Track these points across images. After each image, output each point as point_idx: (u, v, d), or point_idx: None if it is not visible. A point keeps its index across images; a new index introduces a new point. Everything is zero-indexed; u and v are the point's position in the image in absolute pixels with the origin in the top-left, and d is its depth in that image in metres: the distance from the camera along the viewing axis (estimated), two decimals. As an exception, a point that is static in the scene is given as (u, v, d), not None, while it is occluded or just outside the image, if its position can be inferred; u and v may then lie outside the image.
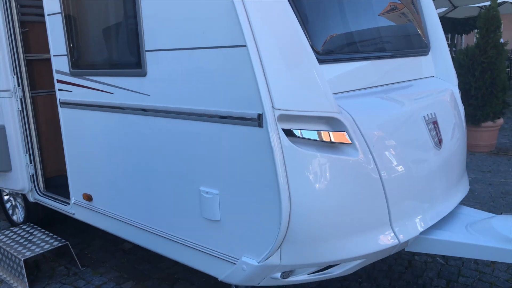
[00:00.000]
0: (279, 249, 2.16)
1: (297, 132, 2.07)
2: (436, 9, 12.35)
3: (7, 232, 3.75)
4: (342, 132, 2.17)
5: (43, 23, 4.00)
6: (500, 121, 6.77)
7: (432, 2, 3.62)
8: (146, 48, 2.48)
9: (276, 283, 2.32)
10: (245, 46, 2.02)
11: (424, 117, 2.71)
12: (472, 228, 2.68)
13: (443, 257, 3.59)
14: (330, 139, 2.15)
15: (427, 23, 3.52)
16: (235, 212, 2.27)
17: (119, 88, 2.72)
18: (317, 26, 2.37)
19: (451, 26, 16.43)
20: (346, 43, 2.59)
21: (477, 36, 6.43)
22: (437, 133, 2.76)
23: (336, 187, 2.17)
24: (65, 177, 4.15)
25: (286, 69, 2.07)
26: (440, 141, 2.77)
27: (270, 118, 2.01)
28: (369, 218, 2.29)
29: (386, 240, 2.35)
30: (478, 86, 6.46)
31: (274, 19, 2.09)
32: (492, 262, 3.46)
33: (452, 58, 3.83)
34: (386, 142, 2.40)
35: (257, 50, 2.01)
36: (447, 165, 2.83)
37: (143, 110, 2.59)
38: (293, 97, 2.07)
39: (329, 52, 2.42)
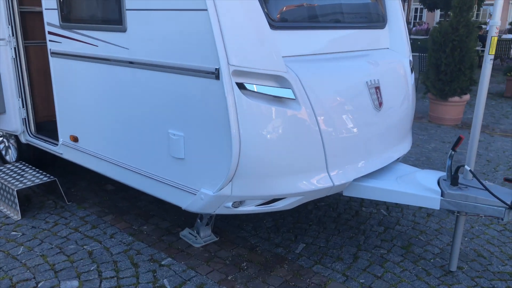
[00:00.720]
0: (231, 182, 2.62)
1: (248, 86, 2.49)
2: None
3: (1, 168, 4.18)
4: (288, 89, 2.60)
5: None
6: (467, 97, 7.22)
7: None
8: (127, 7, 2.85)
9: (228, 211, 2.80)
10: (206, 10, 2.40)
11: (367, 82, 3.14)
12: (401, 179, 3.17)
13: (386, 208, 4.11)
14: (277, 94, 2.57)
15: (387, -1, 3.89)
16: (196, 151, 2.72)
17: (102, 41, 3.10)
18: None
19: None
20: (300, 13, 2.98)
21: (451, 14, 6.78)
22: (378, 97, 3.20)
23: (280, 134, 2.61)
24: (54, 122, 4.57)
25: (241, 32, 2.47)
26: (380, 104, 3.21)
27: (225, 72, 2.42)
28: (308, 162, 2.75)
29: (322, 182, 2.83)
30: (448, 62, 6.87)
31: (234, -11, 2.46)
32: (427, 215, 3.99)
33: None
34: (328, 100, 2.83)
35: (217, 15, 2.40)
36: (386, 125, 3.28)
37: (123, 61, 2.98)
38: (246, 56, 2.48)
39: (283, 20, 2.81)
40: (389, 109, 3.33)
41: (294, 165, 2.71)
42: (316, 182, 2.81)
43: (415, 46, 14.90)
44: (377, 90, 3.22)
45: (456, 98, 7.13)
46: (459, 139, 2.79)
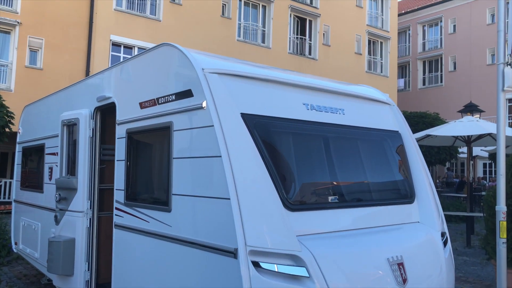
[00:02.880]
0: None
1: (264, 265, 2.78)
2: (488, 146, 12.46)
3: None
4: (302, 267, 2.84)
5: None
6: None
7: (418, 155, 4.32)
8: (173, 192, 3.46)
9: None
10: (229, 199, 2.89)
11: (388, 258, 3.26)
12: None
13: None
14: (291, 272, 2.81)
15: (414, 175, 4.20)
16: (218, 325, 2.91)
17: (153, 218, 3.67)
18: (292, 182, 3.21)
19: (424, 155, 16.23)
20: (319, 194, 3.37)
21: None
22: (401, 273, 3.27)
23: (294, 312, 2.76)
24: (113, 284, 5.03)
25: (258, 216, 2.88)
26: (404, 281, 3.26)
27: (242, 252, 2.76)
28: None
29: None
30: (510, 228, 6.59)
31: (252, 178, 2.97)
32: None
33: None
34: (345, 276, 2.99)
35: (238, 203, 2.86)
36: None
37: (165, 236, 3.47)
38: (262, 237, 2.83)
39: (301, 202, 3.21)
40: (416, 285, 3.34)
41: None
42: None
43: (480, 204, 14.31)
44: (401, 266, 3.30)
45: (527, 266, 6.60)
46: None
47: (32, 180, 6.80)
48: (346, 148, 3.83)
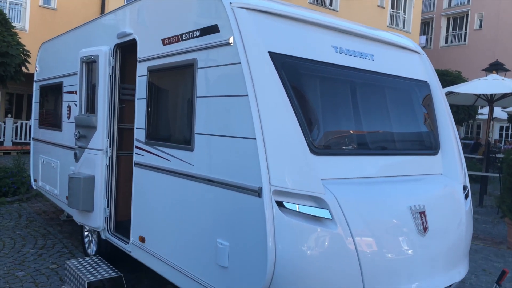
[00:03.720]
0: (266, 295, 2.78)
1: (287, 205, 2.77)
2: (509, 107, 12.19)
3: (80, 260, 4.73)
4: (325, 209, 2.82)
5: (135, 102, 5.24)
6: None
7: (445, 107, 4.19)
8: (196, 132, 3.41)
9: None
10: (255, 139, 2.83)
11: (410, 207, 3.23)
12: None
13: None
14: (314, 213, 2.80)
15: (440, 126, 4.09)
16: (238, 262, 2.95)
17: (174, 157, 3.66)
18: (318, 126, 3.13)
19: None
20: (344, 140, 3.30)
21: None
22: (422, 222, 3.25)
23: (316, 254, 2.78)
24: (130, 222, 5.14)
25: (284, 157, 2.83)
26: (425, 229, 3.24)
27: (266, 192, 2.74)
28: (344, 282, 2.83)
29: (359, 305, 2.85)
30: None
31: (278, 119, 2.90)
32: None
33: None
34: (367, 222, 2.97)
35: (263, 143, 2.81)
36: (432, 250, 3.26)
37: (187, 175, 3.47)
38: (286, 178, 2.80)
39: (326, 147, 3.15)
40: (436, 234, 3.33)
41: (328, 284, 2.80)
42: (352, 304, 2.83)
43: (496, 166, 14.19)
44: (422, 215, 3.28)
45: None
46: (503, 273, 2.70)
47: (51, 119, 6.82)
48: (374, 95, 3.71)
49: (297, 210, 2.78)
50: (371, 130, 3.53)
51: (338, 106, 3.40)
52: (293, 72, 3.18)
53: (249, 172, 2.87)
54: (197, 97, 3.41)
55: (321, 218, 2.82)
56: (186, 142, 3.53)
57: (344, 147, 3.26)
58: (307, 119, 3.07)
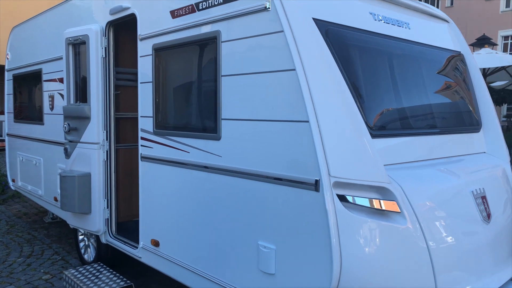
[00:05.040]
0: (329, 306, 2.35)
1: (350, 198, 2.33)
2: (496, 82, 12.17)
3: (80, 269, 4.17)
4: (392, 201, 2.40)
5: (132, 87, 4.66)
6: None
7: (483, 80, 3.85)
8: (223, 117, 2.91)
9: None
10: (308, 122, 2.36)
11: (472, 191, 2.86)
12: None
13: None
14: (381, 207, 2.38)
15: (479, 101, 3.74)
16: (289, 267, 2.51)
17: (194, 148, 3.15)
18: (372, 104, 2.70)
19: None
20: (398, 119, 2.88)
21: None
22: (485, 208, 2.89)
23: (384, 252, 2.36)
24: (134, 222, 4.60)
25: (342, 142, 2.38)
26: (488, 216, 2.88)
27: (326, 184, 2.30)
28: (416, 282, 2.43)
29: (432, 308, 2.47)
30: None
31: (333, 98, 2.44)
32: None
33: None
34: (434, 213, 2.58)
35: (318, 126, 2.35)
36: (496, 239, 2.92)
37: (215, 168, 2.97)
38: (347, 167, 2.36)
39: (381, 128, 2.72)
40: (498, 221, 2.98)
41: (400, 286, 2.40)
42: (425, 308, 2.45)
43: None
44: (484, 200, 2.92)
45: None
46: None
47: (29, 111, 6.12)
48: (415, 67, 3.30)
49: (362, 204, 2.35)
50: (419, 107, 3.13)
51: (385, 80, 2.97)
52: (340, 41, 2.72)
53: (302, 162, 2.41)
54: (222, 76, 2.90)
55: (389, 212, 2.40)
56: (209, 130, 3.02)
57: (397, 128, 2.84)
58: (361, 96, 2.63)
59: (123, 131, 4.57)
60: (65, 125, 4.44)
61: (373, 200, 2.38)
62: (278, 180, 2.53)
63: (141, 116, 3.72)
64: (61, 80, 5.02)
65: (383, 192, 2.43)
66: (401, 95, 2.99)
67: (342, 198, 2.32)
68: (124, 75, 4.57)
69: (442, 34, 3.83)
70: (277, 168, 2.54)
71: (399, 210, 2.41)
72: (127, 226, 4.51)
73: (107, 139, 4.23)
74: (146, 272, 4.68)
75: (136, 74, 4.68)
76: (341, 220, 2.29)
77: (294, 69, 2.42)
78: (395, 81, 3.03)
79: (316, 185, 2.33)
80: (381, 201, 2.39)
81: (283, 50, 2.46)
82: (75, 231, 5.00)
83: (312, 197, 2.36)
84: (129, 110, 4.61)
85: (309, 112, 2.35)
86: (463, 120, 3.52)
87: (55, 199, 5.34)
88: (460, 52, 3.90)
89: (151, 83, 3.55)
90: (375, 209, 2.38)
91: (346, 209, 2.31)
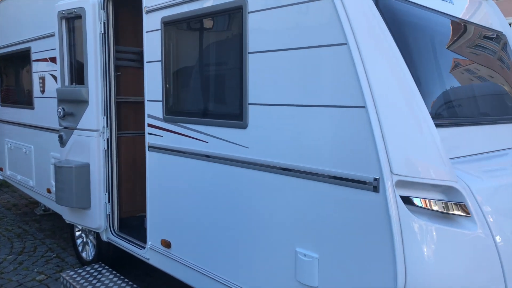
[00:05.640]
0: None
1: (415, 200, 1.93)
2: None
3: (79, 271, 3.75)
4: (461, 203, 2.01)
5: (133, 68, 4.19)
6: None
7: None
8: (250, 101, 2.48)
9: None
10: (363, 107, 1.95)
11: (539, 188, 2.49)
12: None
13: None
14: (449, 209, 1.99)
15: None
16: (337, 280, 2.12)
17: (215, 137, 2.72)
18: (429, 88, 2.29)
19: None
20: (455, 106, 2.48)
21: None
22: (552, 207, 2.52)
23: (453, 263, 1.98)
24: (138, 218, 4.18)
25: (405, 132, 1.98)
26: (555, 217, 2.52)
27: (388, 184, 1.89)
28: (486, 299, 2.07)
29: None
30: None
31: (392, 79, 2.02)
32: None
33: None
34: (503, 215, 2.20)
35: (376, 112, 1.93)
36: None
37: (240, 161, 2.55)
38: (411, 162, 1.95)
39: (439, 116, 2.31)
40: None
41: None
42: (496, 327, 2.08)
43: None
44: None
45: None
46: None
47: (17, 95, 5.60)
48: (463, 47, 2.89)
49: (428, 207, 1.96)
50: (474, 93, 2.73)
51: (438, 60, 2.56)
52: (392, 12, 2.29)
53: (356, 156, 2.00)
54: (249, 53, 2.46)
55: (457, 216, 2.01)
56: (233, 116, 2.59)
57: (455, 115, 2.44)
58: (418, 78, 2.21)
59: (125, 117, 4.11)
60: (59, 110, 3.96)
61: (440, 202, 1.98)
62: (322, 177, 2.12)
63: (148, 100, 3.26)
64: (52, 60, 4.52)
65: (450, 193, 2.03)
66: (454, 78, 2.58)
67: (406, 200, 1.92)
68: (125, 54, 4.09)
69: (483, 12, 3.42)
70: (322, 163, 2.13)
71: (469, 214, 2.02)
72: (131, 222, 4.09)
73: (107, 126, 3.77)
74: (153, 273, 4.28)
75: (138, 53, 4.21)
76: (405, 228, 1.90)
77: (345, 43, 1.99)
78: (447, 62, 2.62)
79: (375, 185, 1.92)
80: (450, 203, 2.00)
81: (331, 20, 2.03)
82: (71, 226, 4.57)
83: (370, 199, 1.96)
84: (130, 93, 4.14)
85: (365, 95, 1.93)
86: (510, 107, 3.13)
87: (48, 191, 4.89)
88: (502, 31, 3.50)
89: (160, 63, 3.09)
90: (442, 212, 1.99)
91: (411, 213, 1.91)
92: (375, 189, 1.93)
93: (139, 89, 4.16)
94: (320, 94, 2.11)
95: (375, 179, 1.93)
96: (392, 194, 1.90)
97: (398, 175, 1.91)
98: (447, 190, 2.03)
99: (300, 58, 2.19)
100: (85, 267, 3.82)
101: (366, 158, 1.95)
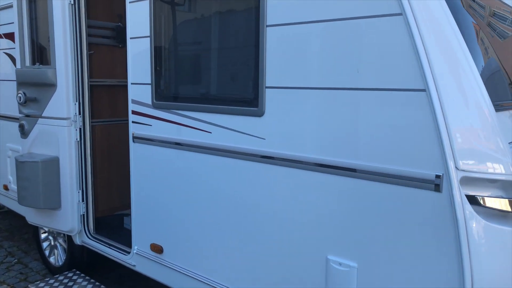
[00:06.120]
0: None
1: (481, 200, 1.65)
2: None
3: (50, 281, 3.26)
4: (526, 201, 1.75)
5: (108, 46, 3.66)
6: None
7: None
8: (267, 84, 2.09)
9: None
10: (423, 90, 1.63)
11: None
12: None
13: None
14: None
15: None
16: (382, 293, 1.82)
17: (220, 127, 2.32)
18: (485, 67, 2.00)
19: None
20: (496, 89, 2.22)
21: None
22: None
23: (517, 270, 1.73)
24: (116, 217, 3.71)
25: (469, 119, 1.68)
26: None
27: (453, 181, 1.59)
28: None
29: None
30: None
31: (454, 59, 1.71)
32: None
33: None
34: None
35: (438, 96, 1.62)
36: None
37: (254, 155, 2.18)
38: (476, 155, 1.66)
39: (496, 99, 2.04)
40: None
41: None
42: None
43: None
44: None
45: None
46: None
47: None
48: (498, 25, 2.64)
49: (493, 206, 1.68)
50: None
51: (481, 38, 2.28)
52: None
53: (412, 149, 1.68)
54: (267, 26, 2.06)
55: (521, 215, 1.75)
56: (245, 102, 2.20)
57: (504, 97, 2.18)
58: (478, 58, 1.92)
59: (98, 102, 3.59)
60: (19, 95, 3.39)
61: (506, 200, 1.71)
62: (366, 174, 1.79)
63: (132, 84, 2.79)
64: (8, 36, 3.89)
65: (509, 188, 1.77)
66: (496, 56, 2.32)
67: (473, 200, 1.63)
68: (98, 30, 3.55)
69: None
70: (367, 158, 1.79)
71: (534, 215, 1.76)
72: (108, 222, 3.61)
73: (80, 114, 3.26)
74: (133, 276, 3.83)
75: (113, 29, 3.68)
76: (472, 231, 1.61)
77: (400, 14, 1.65)
78: (486, 38, 2.35)
79: (438, 183, 1.62)
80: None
81: (381, -16, 1.68)
82: (35, 226, 4.01)
83: (429, 200, 1.65)
84: (104, 75, 3.62)
85: (427, 77, 1.61)
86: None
87: (5, 188, 4.29)
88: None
89: (149, 38, 2.63)
90: (506, 211, 1.72)
91: (477, 214, 1.63)
92: (437, 188, 1.62)
93: (114, 71, 3.65)
94: (364, 75, 1.77)
95: (437, 177, 1.62)
96: (458, 194, 1.60)
97: (463, 170, 1.61)
98: (507, 185, 1.76)
99: (334, 32, 1.83)
100: (56, 276, 3.32)
101: (426, 151, 1.64)
